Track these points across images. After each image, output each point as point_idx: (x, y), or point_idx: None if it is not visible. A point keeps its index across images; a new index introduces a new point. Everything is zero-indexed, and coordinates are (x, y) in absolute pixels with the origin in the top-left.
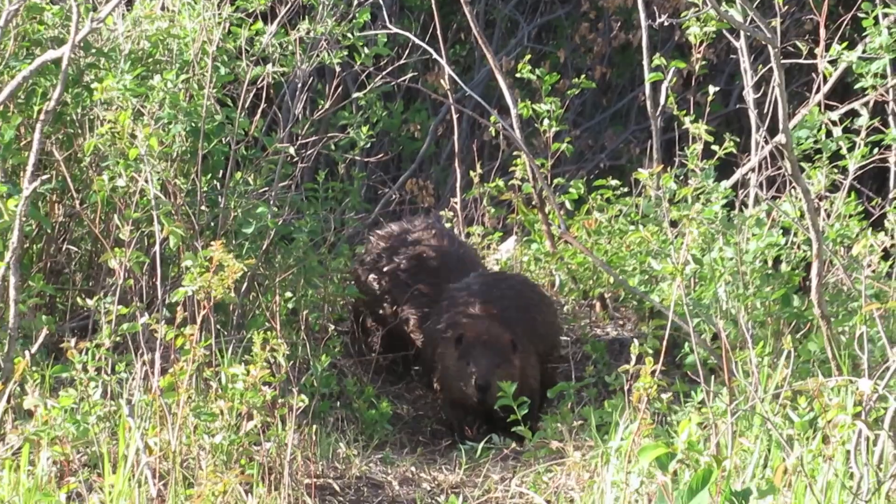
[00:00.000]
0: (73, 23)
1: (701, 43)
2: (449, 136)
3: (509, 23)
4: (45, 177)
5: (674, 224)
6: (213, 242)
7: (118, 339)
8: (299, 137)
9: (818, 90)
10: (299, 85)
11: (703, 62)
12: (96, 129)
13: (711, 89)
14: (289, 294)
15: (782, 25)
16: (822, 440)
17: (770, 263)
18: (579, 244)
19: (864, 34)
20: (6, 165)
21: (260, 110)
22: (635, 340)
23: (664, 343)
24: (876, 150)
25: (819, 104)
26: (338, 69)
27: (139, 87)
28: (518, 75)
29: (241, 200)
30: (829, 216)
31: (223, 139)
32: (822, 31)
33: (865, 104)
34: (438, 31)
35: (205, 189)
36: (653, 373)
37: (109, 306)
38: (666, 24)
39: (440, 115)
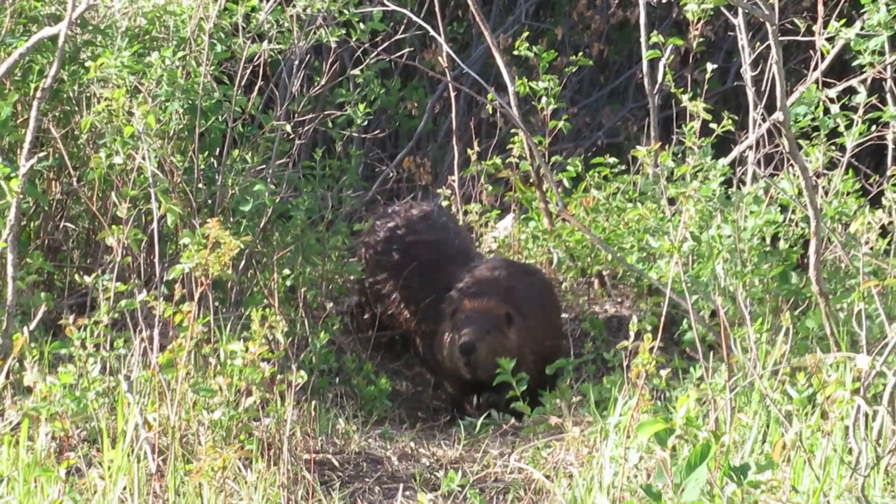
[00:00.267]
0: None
1: (699, 20)
2: (446, 113)
3: None
4: (42, 154)
5: (671, 202)
6: (209, 220)
7: (116, 315)
8: (296, 115)
9: (816, 67)
10: (296, 62)
11: (701, 39)
12: (93, 107)
13: (709, 66)
14: (287, 271)
15: (780, 2)
16: (820, 416)
17: (768, 241)
18: (577, 222)
19: (862, 11)
20: (3, 143)
21: (257, 88)
22: (634, 317)
23: (662, 320)
24: (874, 128)
25: (817, 81)
26: (334, 46)
27: (136, 64)
28: (515, 52)
29: (238, 178)
30: (826, 193)
31: (220, 117)
32: (821, 8)
33: (863, 81)
34: (436, 8)
35: (202, 167)
36: (651, 349)
37: (107, 283)
38: (664, 1)
39: (437, 93)
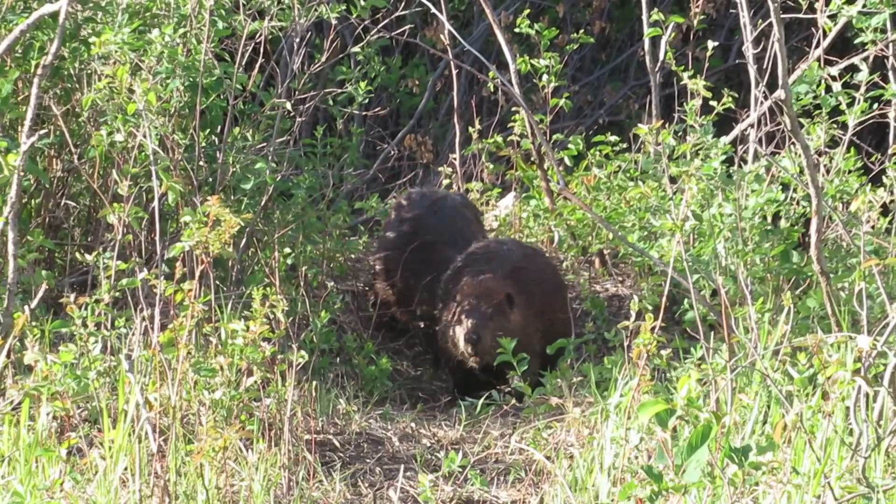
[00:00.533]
0: None
1: None
2: (447, 91)
3: None
4: (43, 131)
5: (673, 180)
6: (210, 198)
7: (117, 294)
8: (297, 92)
9: (818, 45)
10: (297, 39)
11: (703, 17)
12: (94, 84)
13: (710, 44)
14: (287, 250)
15: None
16: (821, 396)
17: (769, 219)
18: (578, 200)
19: None
20: (4, 120)
21: (258, 65)
22: (635, 297)
23: (663, 299)
24: (875, 106)
25: (819, 59)
26: (335, 23)
27: (137, 41)
28: (517, 30)
29: (239, 156)
30: (828, 172)
31: (221, 94)
32: None
33: (865, 59)
34: None
35: (203, 144)
36: (652, 329)
37: (108, 261)
38: None
39: (439, 71)
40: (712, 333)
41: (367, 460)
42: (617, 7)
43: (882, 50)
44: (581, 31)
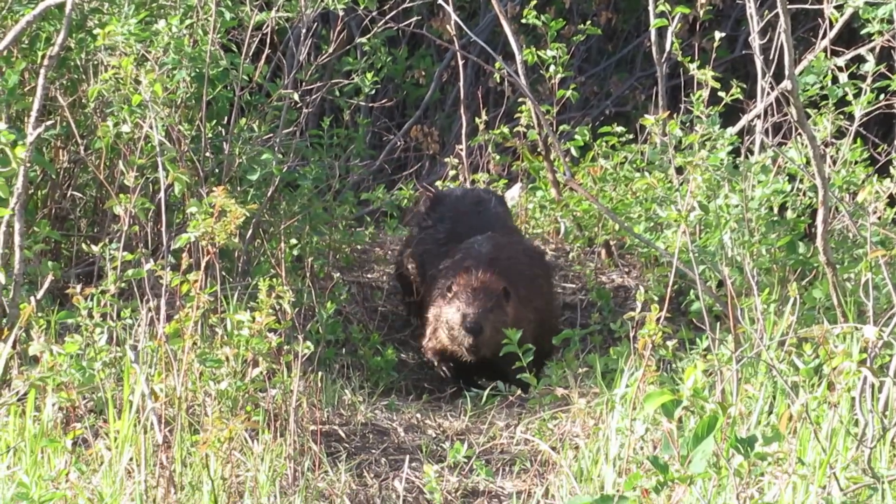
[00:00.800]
0: None
1: None
2: (454, 82)
3: None
4: (49, 123)
5: (679, 171)
6: (216, 188)
7: (123, 285)
8: (303, 83)
9: (824, 36)
10: (303, 30)
11: (709, 8)
12: (100, 75)
13: (717, 35)
14: (294, 241)
15: None
16: (827, 387)
17: (775, 210)
18: (584, 191)
19: None
20: (10, 111)
21: (264, 56)
22: (641, 287)
23: (669, 290)
24: (882, 97)
25: (825, 50)
26: (341, 14)
27: (143, 32)
28: (523, 21)
29: (245, 147)
30: (834, 163)
31: (227, 85)
32: None
33: (872, 50)
34: None
35: (209, 135)
36: (658, 320)
37: (115, 252)
38: None
39: (445, 62)
40: (718, 324)
41: (373, 451)
42: None
43: (889, 40)
44: (588, 21)
